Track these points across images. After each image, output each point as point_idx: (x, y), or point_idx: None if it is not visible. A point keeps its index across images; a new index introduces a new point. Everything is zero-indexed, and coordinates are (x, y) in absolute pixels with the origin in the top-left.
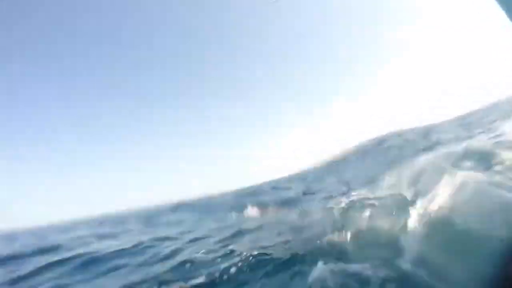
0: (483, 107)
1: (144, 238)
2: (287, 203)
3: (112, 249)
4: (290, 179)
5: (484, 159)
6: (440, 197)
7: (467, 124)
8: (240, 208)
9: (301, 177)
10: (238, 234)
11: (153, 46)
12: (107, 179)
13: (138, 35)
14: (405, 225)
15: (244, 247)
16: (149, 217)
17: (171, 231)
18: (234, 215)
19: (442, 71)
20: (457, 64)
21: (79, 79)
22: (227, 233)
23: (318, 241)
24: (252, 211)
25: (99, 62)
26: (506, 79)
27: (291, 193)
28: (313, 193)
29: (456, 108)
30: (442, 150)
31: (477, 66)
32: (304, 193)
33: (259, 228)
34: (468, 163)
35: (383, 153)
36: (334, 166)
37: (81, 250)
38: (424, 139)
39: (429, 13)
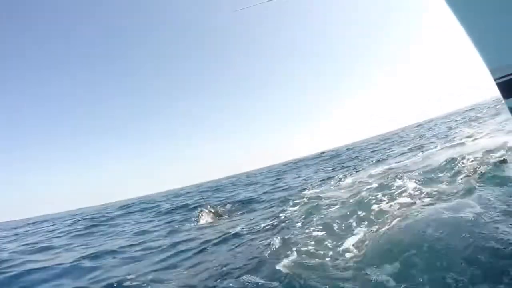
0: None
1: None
2: (244, 205)
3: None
4: (254, 174)
5: (432, 171)
6: (384, 213)
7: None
8: (195, 210)
9: (269, 172)
10: (175, 256)
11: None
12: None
13: (135, 33)
14: (345, 248)
15: (175, 281)
16: (95, 224)
17: (113, 244)
18: (184, 219)
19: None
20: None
21: None
22: (167, 253)
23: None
24: (204, 217)
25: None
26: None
27: (250, 192)
28: (272, 193)
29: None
30: (397, 159)
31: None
32: (264, 192)
33: (201, 251)
34: (418, 176)
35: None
36: (298, 165)
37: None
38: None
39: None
